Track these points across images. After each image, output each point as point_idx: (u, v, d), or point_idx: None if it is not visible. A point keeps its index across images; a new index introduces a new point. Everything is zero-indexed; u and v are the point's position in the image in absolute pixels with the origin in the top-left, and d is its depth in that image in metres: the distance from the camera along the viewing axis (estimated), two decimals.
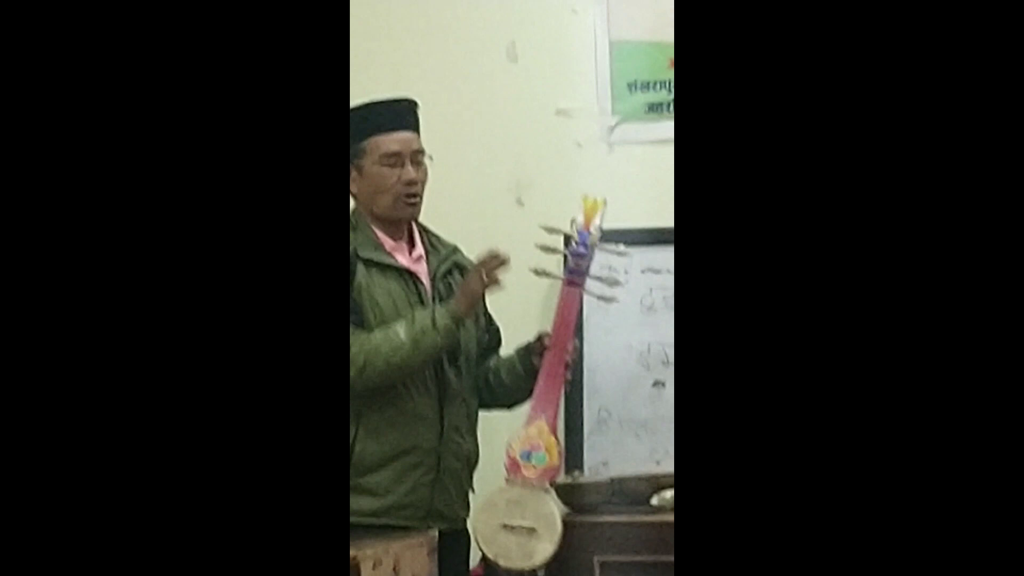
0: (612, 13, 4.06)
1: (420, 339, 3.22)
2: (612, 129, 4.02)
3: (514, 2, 4.07)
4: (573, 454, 3.89)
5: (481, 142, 3.99)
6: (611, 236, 3.60)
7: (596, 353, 3.96)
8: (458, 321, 3.26)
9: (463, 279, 3.35)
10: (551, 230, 3.45)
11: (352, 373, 3.13)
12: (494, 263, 3.27)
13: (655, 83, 4.05)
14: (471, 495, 3.56)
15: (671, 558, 3.49)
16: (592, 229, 3.42)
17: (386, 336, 3.22)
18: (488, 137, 4.02)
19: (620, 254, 3.49)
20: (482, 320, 3.52)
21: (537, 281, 3.50)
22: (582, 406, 3.95)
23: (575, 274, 3.38)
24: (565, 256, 3.41)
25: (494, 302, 3.60)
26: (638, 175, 3.89)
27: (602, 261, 3.49)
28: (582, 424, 3.94)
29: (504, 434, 3.49)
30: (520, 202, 3.98)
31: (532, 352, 3.43)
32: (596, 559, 3.45)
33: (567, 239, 3.47)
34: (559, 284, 3.43)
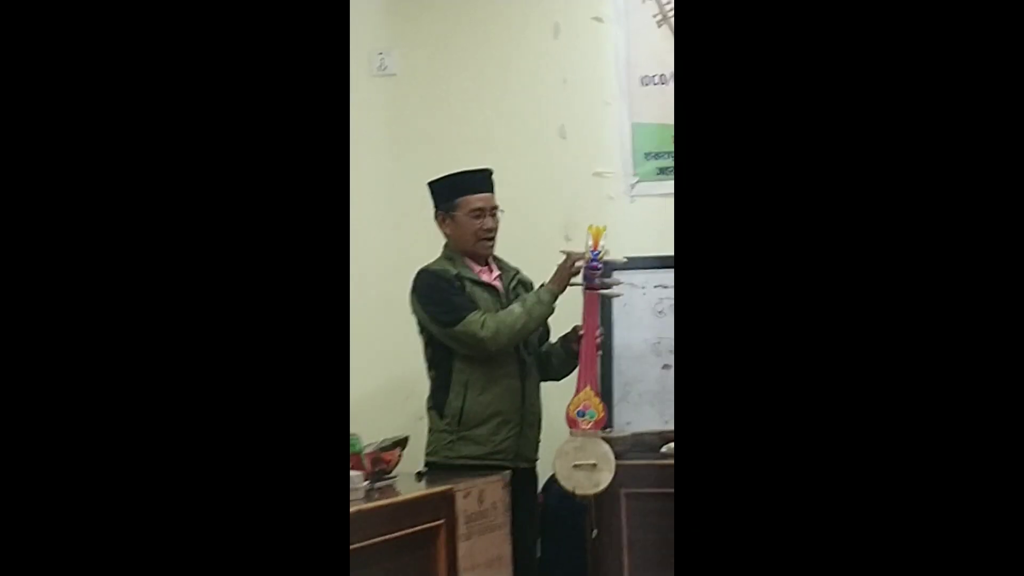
0: (633, 104, 4.66)
1: (532, 309, 3.82)
2: (633, 187, 4.62)
3: (564, 96, 4.66)
4: (606, 416, 4.05)
5: (541, 197, 4.53)
6: (633, 263, 4.13)
7: (620, 345, 4.49)
8: (555, 295, 3.79)
9: (557, 268, 3.79)
10: (572, 253, 3.87)
11: (487, 336, 3.75)
12: (575, 257, 3.79)
13: (664, 153, 4.61)
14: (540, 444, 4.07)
15: (673, 490, 4.08)
16: (600, 248, 3.88)
17: (509, 312, 3.82)
18: (546, 193, 4.57)
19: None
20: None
21: (572, 290, 3.92)
22: (612, 383, 4.47)
23: (592, 281, 3.87)
24: (584, 270, 3.85)
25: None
26: (652, 219, 4.40)
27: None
28: (612, 395, 4.43)
29: (557, 400, 4.02)
30: (568, 238, 4.35)
31: (568, 340, 3.94)
32: (622, 491, 4.00)
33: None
34: (582, 291, 3.87)
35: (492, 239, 3.98)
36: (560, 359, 4.04)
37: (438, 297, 3.88)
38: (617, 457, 4.03)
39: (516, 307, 3.86)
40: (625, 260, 3.98)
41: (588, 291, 3.92)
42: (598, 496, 3.87)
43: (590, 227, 3.94)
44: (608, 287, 3.95)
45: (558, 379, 4.12)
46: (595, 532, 3.90)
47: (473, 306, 3.85)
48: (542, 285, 3.89)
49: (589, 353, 3.92)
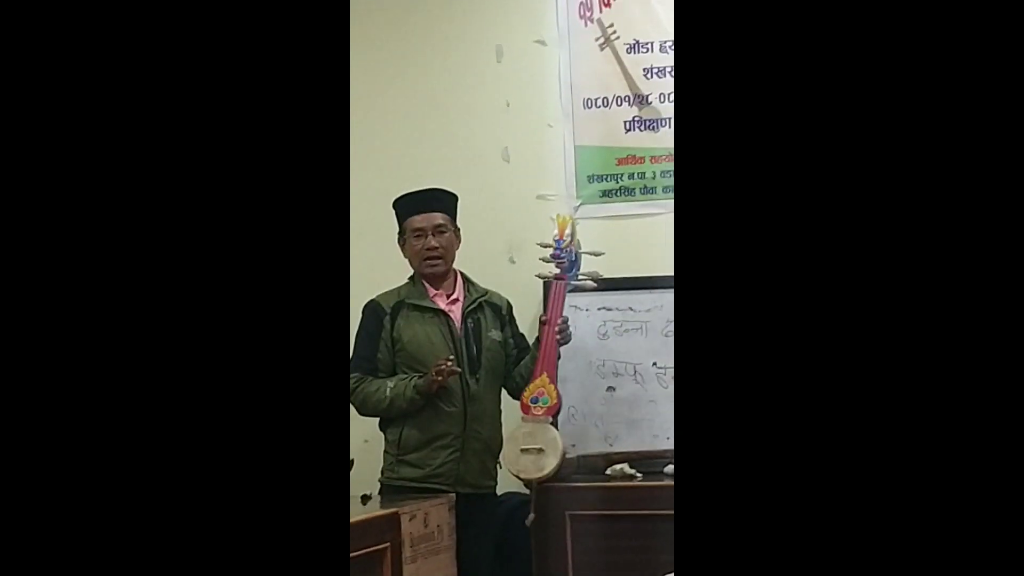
0: (576, 126, 4.72)
1: (396, 398, 3.88)
2: (576, 209, 4.64)
3: (507, 119, 4.72)
4: None
5: (484, 219, 4.46)
6: (576, 285, 4.20)
7: (566, 368, 4.42)
8: (421, 394, 3.84)
9: (429, 371, 3.82)
10: (543, 245, 4.07)
11: (354, 401, 3.86)
12: (441, 367, 3.78)
13: (606, 176, 4.70)
14: (497, 469, 4.06)
15: (619, 512, 4.03)
16: (565, 236, 4.07)
17: (381, 388, 3.89)
18: (490, 215, 4.53)
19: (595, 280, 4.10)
20: (510, 339, 4.07)
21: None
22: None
23: (559, 270, 4.06)
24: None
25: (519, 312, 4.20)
26: (595, 242, 4.34)
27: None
28: (557, 419, 4.26)
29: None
30: (512, 260, 4.56)
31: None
32: (567, 513, 4.06)
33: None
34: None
35: (436, 259, 4.01)
36: (529, 373, 4.06)
37: (359, 335, 4.00)
38: (560, 480, 4.12)
39: (389, 387, 3.91)
40: (593, 282, 4.12)
41: (555, 281, 4.07)
42: (542, 481, 3.94)
43: (556, 216, 4.13)
44: (576, 279, 4.09)
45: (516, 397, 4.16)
46: (531, 517, 3.94)
47: (365, 362, 3.96)
48: (419, 377, 3.90)
49: (549, 342, 4.01)
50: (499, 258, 4.38)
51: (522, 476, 3.92)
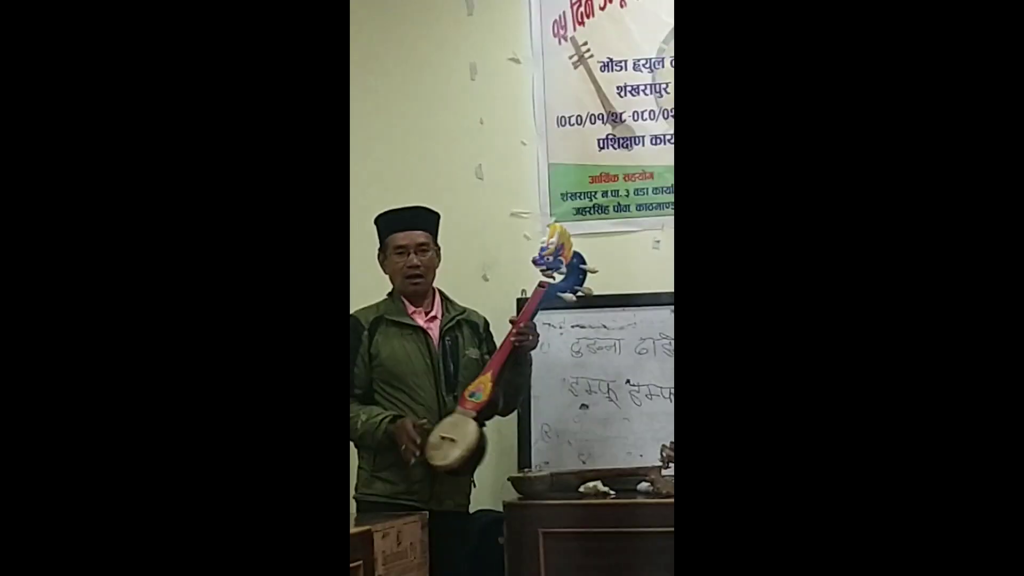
0: (550, 144, 4.77)
1: (364, 435, 3.86)
2: (550, 227, 4.47)
3: (481, 137, 4.76)
4: (524, 456, 4.49)
5: (458, 237, 4.44)
6: (550, 303, 4.17)
7: (539, 386, 4.53)
8: (389, 437, 3.79)
9: (399, 427, 3.80)
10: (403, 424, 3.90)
11: None
12: (408, 429, 3.76)
13: (580, 193, 4.75)
14: (472, 487, 4.10)
15: (591, 529, 4.02)
16: (549, 244, 4.03)
17: (355, 415, 3.85)
18: (464, 233, 4.54)
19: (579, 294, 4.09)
20: (486, 356, 4.01)
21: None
22: (530, 423, 4.55)
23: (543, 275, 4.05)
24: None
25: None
26: None
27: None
28: (530, 435, 4.54)
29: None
30: (486, 278, 4.58)
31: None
32: (540, 530, 4.01)
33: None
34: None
35: (418, 277, 4.01)
36: (508, 387, 4.06)
37: None
38: (533, 497, 4.15)
39: (361, 419, 3.88)
40: (572, 294, 4.09)
41: (537, 288, 4.06)
42: (449, 470, 3.92)
43: (552, 225, 4.16)
44: (562, 291, 4.07)
45: (503, 413, 4.20)
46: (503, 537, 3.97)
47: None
48: (394, 419, 3.89)
49: (507, 343, 4.02)
50: (473, 275, 4.40)
51: (430, 461, 3.90)
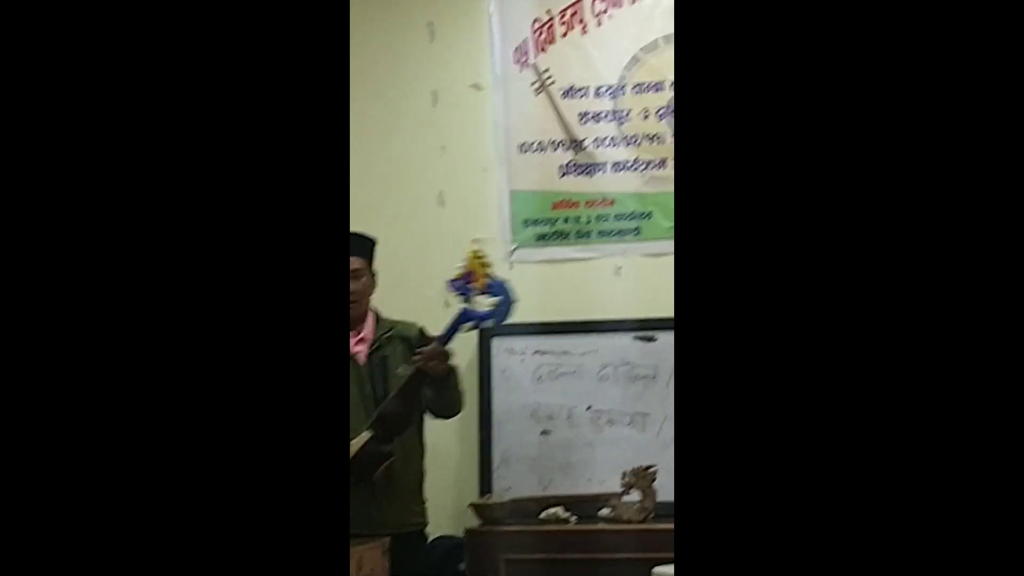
0: (512, 171, 4.79)
1: None
2: (512, 253, 4.73)
3: (443, 163, 4.77)
4: (485, 482, 4.54)
5: (420, 263, 4.53)
6: (512, 329, 4.36)
7: (500, 411, 4.63)
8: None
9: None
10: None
11: None
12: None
13: (542, 220, 4.77)
14: (424, 506, 4.07)
15: (553, 556, 4.09)
16: (458, 272, 3.97)
17: None
18: (425, 259, 4.57)
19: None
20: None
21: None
22: (491, 449, 4.60)
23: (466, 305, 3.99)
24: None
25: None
26: (531, 286, 4.50)
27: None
28: (491, 461, 4.59)
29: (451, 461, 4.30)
30: (447, 304, 4.35)
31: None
32: (501, 557, 4.11)
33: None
34: None
35: (351, 303, 3.98)
36: (432, 392, 4.03)
37: None
38: (494, 523, 4.24)
39: None
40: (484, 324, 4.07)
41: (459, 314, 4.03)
42: None
43: (471, 251, 4.08)
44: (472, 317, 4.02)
45: (447, 415, 4.16)
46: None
47: None
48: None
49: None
50: (435, 302, 4.38)
51: None
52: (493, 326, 4.11)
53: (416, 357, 3.90)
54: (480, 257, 4.04)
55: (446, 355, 3.94)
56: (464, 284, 4.00)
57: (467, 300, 3.98)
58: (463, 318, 3.98)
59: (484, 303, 4.02)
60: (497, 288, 4.02)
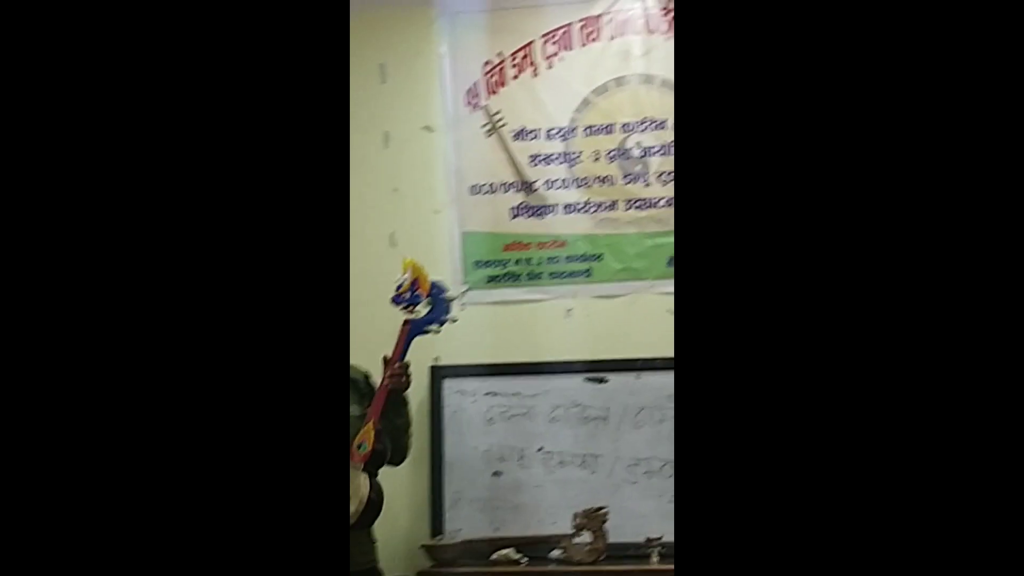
0: (463, 212, 4.81)
1: None
2: (464, 293, 4.67)
3: (395, 205, 4.80)
4: (437, 524, 4.58)
5: (371, 304, 4.36)
6: (463, 370, 4.46)
7: (452, 453, 4.64)
8: None
9: None
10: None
11: None
12: None
13: (493, 261, 4.79)
14: (374, 545, 4.04)
15: None
16: (404, 282, 4.07)
17: None
18: (376, 300, 4.39)
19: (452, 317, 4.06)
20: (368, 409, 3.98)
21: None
22: (443, 490, 4.63)
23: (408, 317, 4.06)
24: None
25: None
26: (482, 327, 4.61)
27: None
28: (443, 503, 4.62)
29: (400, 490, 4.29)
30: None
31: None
32: None
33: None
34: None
35: None
36: (393, 432, 4.07)
37: None
38: (446, 565, 4.33)
39: None
40: (439, 328, 4.10)
41: (403, 327, 4.09)
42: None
43: (404, 260, 4.18)
44: (430, 323, 4.08)
45: (396, 461, 4.15)
46: None
47: None
48: None
49: (381, 388, 4.04)
50: (387, 341, 4.30)
51: None
52: (438, 328, 4.12)
53: (386, 378, 3.97)
54: (417, 265, 4.12)
55: (407, 368, 4.01)
56: (412, 293, 4.06)
57: (414, 309, 4.04)
58: (414, 331, 4.05)
59: (421, 311, 4.08)
60: (435, 289, 4.11)
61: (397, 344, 4.05)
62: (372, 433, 3.94)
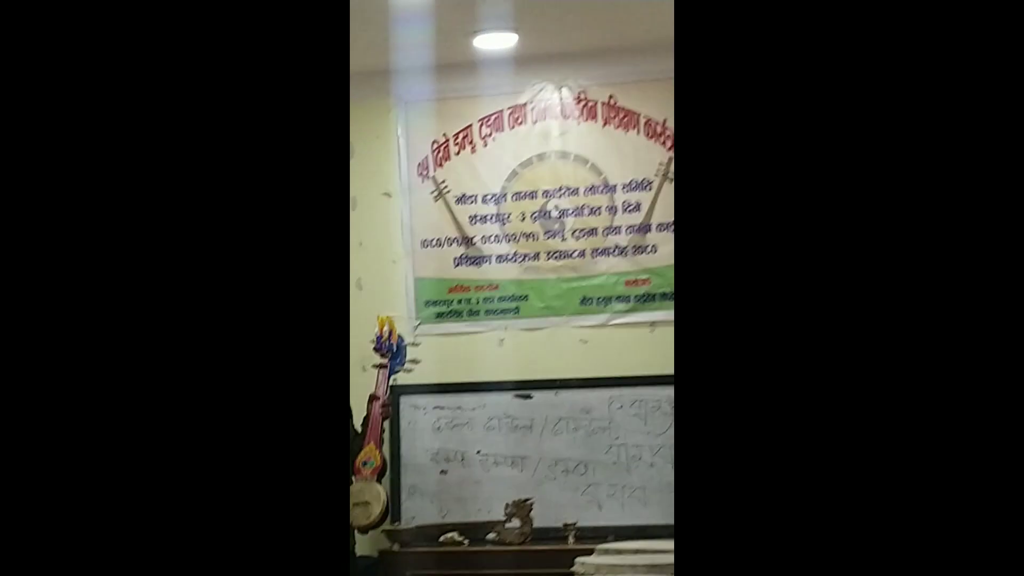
0: (415, 262, 5.20)
1: None
2: (416, 328, 5.14)
3: (361, 256, 5.00)
4: (395, 512, 4.89)
5: None
6: (416, 389, 4.86)
7: (407, 454, 5.03)
8: None
9: None
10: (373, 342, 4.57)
11: None
12: None
13: (440, 301, 5.17)
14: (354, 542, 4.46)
15: (451, 572, 4.54)
16: (384, 333, 4.60)
17: None
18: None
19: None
20: None
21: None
22: (400, 485, 5.01)
23: (384, 359, 4.62)
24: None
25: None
26: (432, 354, 5.00)
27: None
28: (400, 495, 5.00)
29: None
30: (364, 368, 4.79)
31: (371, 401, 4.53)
32: (409, 573, 4.63)
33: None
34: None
35: None
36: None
37: None
38: (403, 545, 4.67)
39: None
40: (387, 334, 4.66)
41: (380, 369, 4.62)
42: (371, 526, 4.45)
43: (379, 316, 4.67)
44: (400, 366, 4.64)
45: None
46: None
47: None
48: None
49: (375, 416, 4.54)
50: (354, 368, 4.61)
51: (354, 524, 4.35)
52: (406, 369, 4.68)
53: (378, 409, 4.50)
54: (390, 320, 4.66)
55: (389, 401, 4.56)
56: (388, 341, 4.60)
57: (387, 354, 4.56)
58: (390, 371, 4.59)
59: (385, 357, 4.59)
60: (400, 340, 4.69)
61: (379, 384, 4.51)
62: (376, 452, 4.44)
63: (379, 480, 4.48)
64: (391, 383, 4.70)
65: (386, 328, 4.63)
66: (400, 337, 4.69)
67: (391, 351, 4.64)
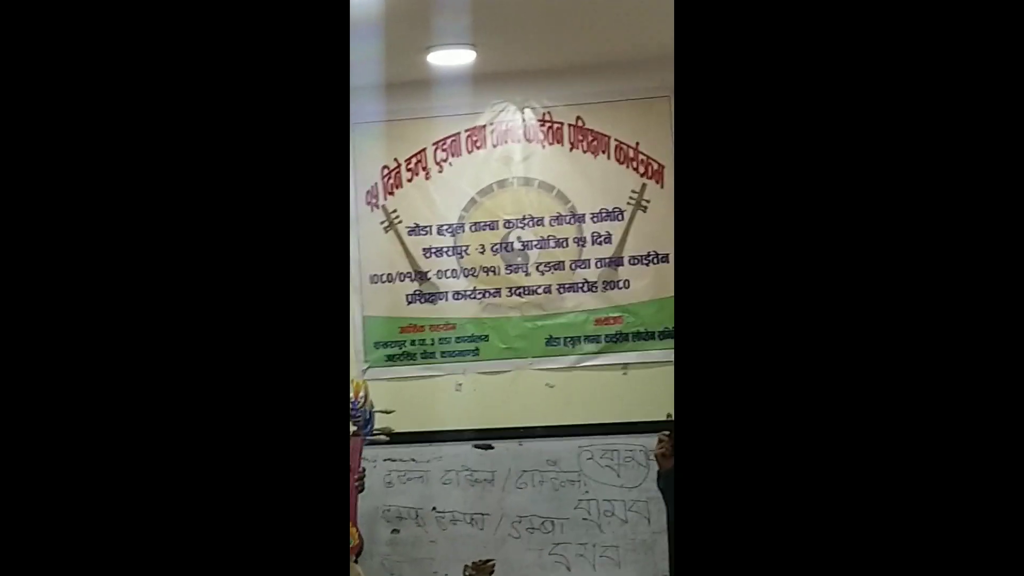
0: (364, 299, 5.04)
1: None
2: (365, 372, 5.00)
3: None
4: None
5: None
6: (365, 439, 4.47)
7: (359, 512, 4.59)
8: None
9: None
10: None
11: None
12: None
13: (391, 342, 5.05)
14: None
15: None
16: (359, 398, 4.37)
17: None
18: None
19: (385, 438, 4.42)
20: None
21: None
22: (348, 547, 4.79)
23: (355, 427, 4.34)
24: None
25: None
26: (382, 400, 4.57)
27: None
28: (359, 555, 4.46)
29: None
30: None
31: None
32: None
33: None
34: None
35: None
36: None
37: None
38: None
39: None
40: (386, 436, 4.43)
41: (354, 438, 4.36)
42: None
43: (353, 380, 4.47)
44: (371, 434, 4.43)
45: None
46: None
47: None
48: None
49: (353, 492, 4.27)
50: None
51: None
52: (382, 439, 4.46)
53: (354, 483, 4.26)
54: (366, 386, 4.43)
55: (363, 475, 4.37)
56: (362, 405, 4.38)
57: (359, 420, 4.35)
58: (367, 434, 4.40)
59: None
60: (371, 406, 4.44)
61: (353, 456, 4.29)
62: (354, 531, 4.24)
63: (356, 560, 4.32)
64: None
65: (361, 394, 4.42)
66: (372, 403, 4.48)
67: (366, 419, 4.43)
